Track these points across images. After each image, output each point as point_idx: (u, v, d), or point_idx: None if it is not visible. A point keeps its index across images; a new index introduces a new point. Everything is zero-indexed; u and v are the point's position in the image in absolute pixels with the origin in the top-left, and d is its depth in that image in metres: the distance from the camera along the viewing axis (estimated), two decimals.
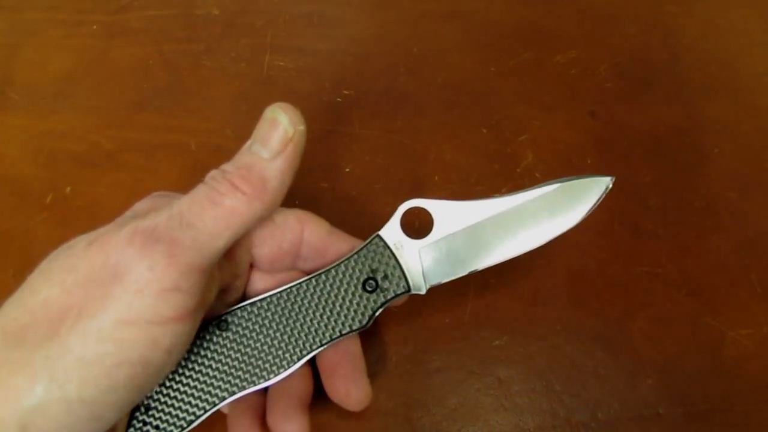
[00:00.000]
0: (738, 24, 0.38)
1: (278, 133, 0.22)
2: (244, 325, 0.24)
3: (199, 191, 0.22)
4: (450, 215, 0.25)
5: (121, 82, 0.36)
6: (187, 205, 0.21)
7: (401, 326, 0.29)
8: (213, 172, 0.22)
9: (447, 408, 0.27)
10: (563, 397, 0.27)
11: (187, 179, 0.32)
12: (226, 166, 0.22)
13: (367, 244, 0.25)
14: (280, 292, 0.24)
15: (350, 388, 0.24)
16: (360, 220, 0.31)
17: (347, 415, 0.27)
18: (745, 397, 0.27)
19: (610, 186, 0.25)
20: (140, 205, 0.24)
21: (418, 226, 0.25)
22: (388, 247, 0.25)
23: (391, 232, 0.25)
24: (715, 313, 0.29)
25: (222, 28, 0.38)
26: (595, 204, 0.25)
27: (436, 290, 0.29)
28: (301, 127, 0.23)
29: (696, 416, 0.27)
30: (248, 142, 0.23)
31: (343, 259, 0.25)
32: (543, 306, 0.29)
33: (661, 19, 0.39)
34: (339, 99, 0.35)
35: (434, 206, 0.25)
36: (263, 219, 0.22)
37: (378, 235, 0.25)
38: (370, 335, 0.28)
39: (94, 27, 0.38)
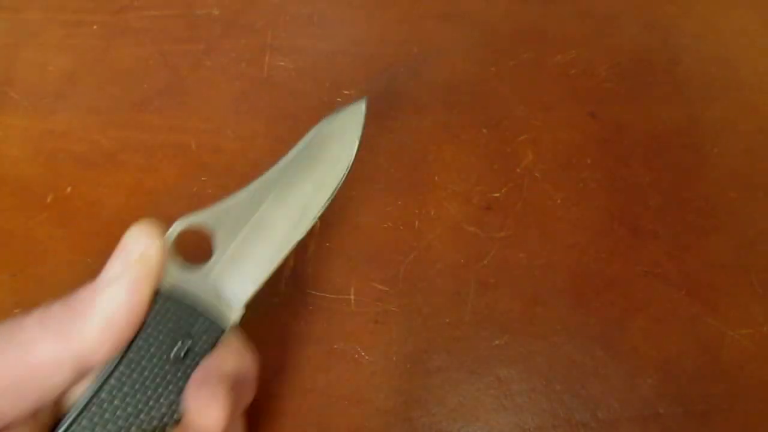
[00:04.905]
0: (738, 24, 0.38)
1: (121, 255, 0.19)
2: None
3: (13, 320, 0.18)
4: (227, 219, 0.21)
5: (122, 82, 0.36)
6: None
7: (401, 326, 0.29)
8: None
9: (447, 407, 0.27)
10: (563, 396, 0.27)
11: (187, 179, 0.32)
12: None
13: (154, 312, 0.20)
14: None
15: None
16: (361, 221, 0.31)
17: (347, 415, 0.27)
18: (745, 397, 0.27)
19: (366, 107, 0.23)
20: None
21: (198, 246, 0.22)
22: (179, 301, 0.20)
23: (171, 276, 0.20)
24: (715, 313, 0.29)
25: (222, 29, 0.38)
26: (362, 133, 0.23)
27: (436, 290, 0.29)
28: (153, 246, 0.19)
29: (696, 416, 0.27)
30: None
31: (138, 337, 0.20)
32: (543, 306, 0.29)
33: (661, 19, 0.39)
34: (339, 99, 0.35)
35: (206, 218, 0.21)
36: (82, 364, 0.18)
37: (160, 294, 0.20)
38: (370, 334, 0.28)
39: (95, 27, 0.38)
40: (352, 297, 0.29)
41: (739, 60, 0.37)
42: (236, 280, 0.22)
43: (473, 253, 0.30)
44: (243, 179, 0.32)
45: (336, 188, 0.23)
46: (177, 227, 0.21)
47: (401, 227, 0.31)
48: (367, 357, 0.28)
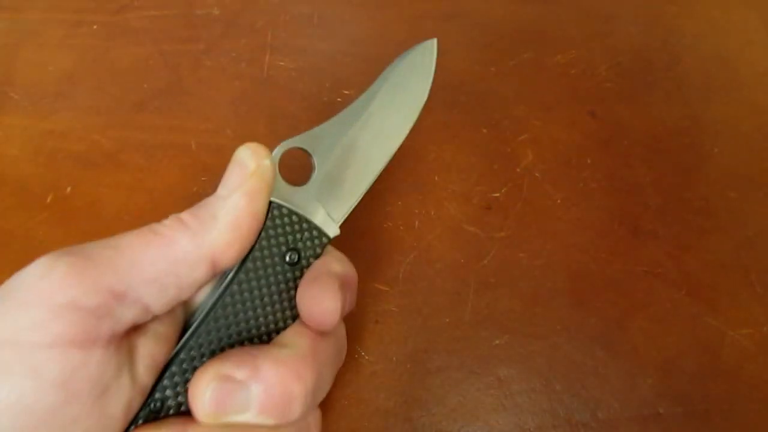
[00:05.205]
0: (738, 24, 0.38)
1: (237, 169, 0.21)
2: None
3: (147, 226, 0.20)
4: (322, 143, 0.24)
5: (122, 82, 0.36)
6: (124, 233, 0.19)
7: (401, 326, 0.29)
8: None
9: (447, 407, 0.27)
10: (563, 396, 0.27)
11: (187, 179, 0.32)
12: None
13: (268, 222, 0.22)
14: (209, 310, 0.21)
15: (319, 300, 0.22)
16: (361, 221, 0.31)
17: (347, 415, 0.27)
18: (745, 397, 0.27)
19: (436, 46, 0.27)
20: None
21: (295, 166, 0.24)
22: (287, 214, 0.23)
23: (279, 192, 0.23)
24: (715, 313, 0.29)
25: (222, 28, 0.38)
26: (434, 70, 0.27)
27: (436, 290, 0.29)
28: (266, 162, 0.21)
29: (696, 416, 0.27)
30: None
31: (254, 247, 0.22)
32: (543, 306, 0.29)
33: (661, 19, 0.39)
34: (339, 99, 0.35)
35: (305, 141, 0.24)
36: (214, 262, 0.20)
37: (271, 207, 0.22)
38: (370, 334, 0.28)
39: (95, 27, 0.38)
40: None
41: (739, 60, 0.37)
42: (334, 197, 0.24)
43: (473, 253, 0.30)
44: None
45: (417, 116, 0.26)
46: (281, 149, 0.23)
47: (401, 227, 0.31)
48: (367, 357, 0.28)
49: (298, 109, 0.35)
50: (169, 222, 0.20)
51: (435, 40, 0.27)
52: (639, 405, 0.27)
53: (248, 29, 0.38)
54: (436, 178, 0.33)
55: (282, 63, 0.37)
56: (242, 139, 0.35)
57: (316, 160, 0.24)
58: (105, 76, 0.36)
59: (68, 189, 0.32)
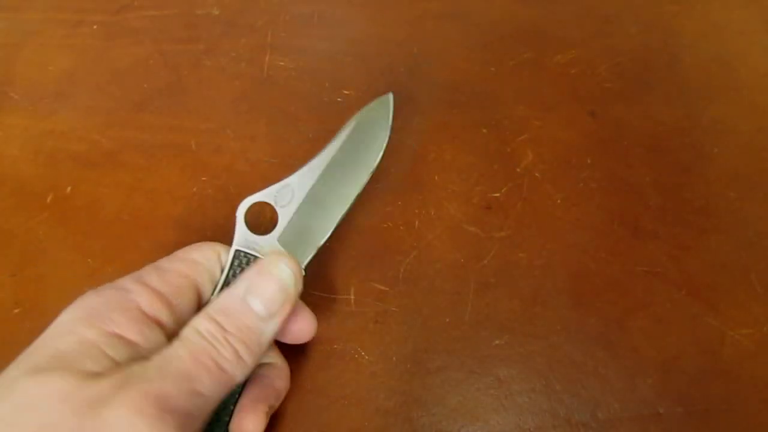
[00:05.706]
0: (738, 24, 0.38)
1: (279, 293, 0.22)
2: None
3: (201, 349, 0.20)
4: (285, 196, 0.25)
5: (121, 82, 0.36)
6: (193, 365, 0.19)
7: (401, 326, 0.29)
8: (208, 326, 0.21)
9: (447, 407, 0.27)
10: (563, 396, 0.27)
11: (187, 179, 0.32)
12: (225, 322, 0.21)
13: (231, 265, 0.24)
14: None
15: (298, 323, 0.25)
16: (361, 221, 0.31)
17: (347, 415, 0.27)
18: (745, 397, 0.27)
19: (392, 99, 0.28)
20: (88, 302, 0.21)
21: (261, 220, 0.26)
22: (254, 256, 0.24)
23: (244, 240, 0.25)
24: (715, 313, 0.29)
25: (222, 28, 0.38)
26: (392, 122, 0.28)
27: (436, 290, 0.29)
28: (301, 286, 0.23)
29: (696, 416, 0.27)
30: (241, 286, 0.22)
31: (215, 289, 0.24)
32: (543, 306, 0.29)
33: (661, 19, 0.39)
34: (339, 99, 0.35)
35: (268, 195, 0.25)
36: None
37: (237, 250, 0.24)
38: (370, 334, 0.28)
39: (95, 27, 0.38)
40: (352, 297, 0.29)
41: (739, 60, 0.37)
42: (298, 244, 0.25)
43: (473, 253, 0.30)
44: (243, 179, 0.33)
45: (375, 167, 0.27)
46: (247, 203, 0.25)
47: (401, 227, 0.31)
48: (367, 357, 0.28)
49: (298, 109, 0.35)
50: (228, 355, 0.20)
51: (391, 95, 0.29)
52: (639, 405, 0.27)
53: (248, 29, 0.38)
54: (436, 178, 0.33)
55: (282, 63, 0.37)
56: (242, 140, 0.35)
57: (279, 212, 0.25)
58: (105, 76, 0.36)
59: (68, 189, 0.32)
